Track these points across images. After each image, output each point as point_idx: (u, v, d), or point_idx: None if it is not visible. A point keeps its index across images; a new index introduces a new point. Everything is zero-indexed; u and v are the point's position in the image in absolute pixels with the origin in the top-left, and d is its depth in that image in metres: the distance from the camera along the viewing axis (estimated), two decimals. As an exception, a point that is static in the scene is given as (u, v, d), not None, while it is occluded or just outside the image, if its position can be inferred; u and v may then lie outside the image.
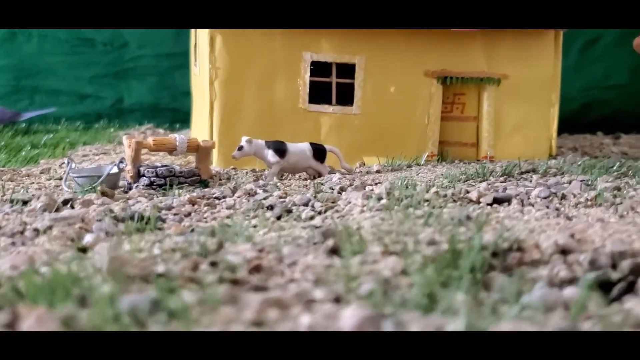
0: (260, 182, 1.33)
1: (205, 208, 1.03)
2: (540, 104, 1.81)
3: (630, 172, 1.37)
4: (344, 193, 1.15)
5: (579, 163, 1.63)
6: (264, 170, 1.53)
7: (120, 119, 2.67)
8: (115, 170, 1.25)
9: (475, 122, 1.82)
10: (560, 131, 2.71)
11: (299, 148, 1.46)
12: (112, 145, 2.08)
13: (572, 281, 0.63)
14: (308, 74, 1.66)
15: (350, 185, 1.31)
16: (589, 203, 0.99)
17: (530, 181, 1.33)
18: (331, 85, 1.69)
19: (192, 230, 0.85)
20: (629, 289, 0.61)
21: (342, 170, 1.55)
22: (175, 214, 0.98)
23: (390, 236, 0.74)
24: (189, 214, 0.99)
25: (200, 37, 1.71)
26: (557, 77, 1.81)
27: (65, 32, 2.65)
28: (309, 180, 1.42)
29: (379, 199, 1.01)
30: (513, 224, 0.81)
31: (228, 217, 0.98)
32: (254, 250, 0.69)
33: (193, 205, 1.06)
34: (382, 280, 0.59)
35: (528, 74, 1.78)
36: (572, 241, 0.71)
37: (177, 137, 1.38)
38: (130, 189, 1.30)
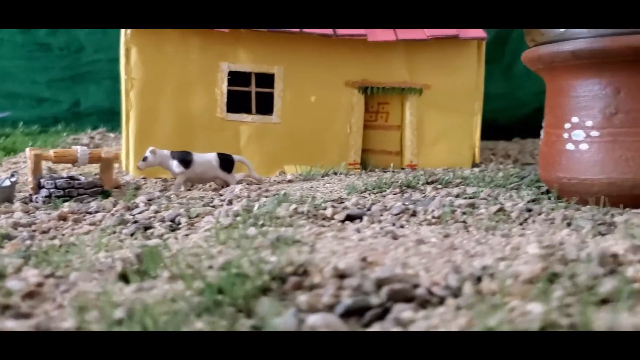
0: (156, 193, 1.36)
1: (70, 223, 1.06)
2: (463, 113, 1.82)
3: (522, 185, 1.39)
4: (222, 207, 1.18)
5: (488, 172, 1.65)
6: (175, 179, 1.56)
7: (76, 123, 2.71)
8: (7, 183, 1.29)
9: (399, 131, 1.84)
10: (513, 135, 2.74)
11: (206, 158, 1.49)
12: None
13: (332, 307, 0.65)
14: (225, 83, 1.69)
15: (247, 197, 1.34)
16: (433, 220, 1.01)
17: (423, 193, 1.35)
18: (250, 95, 1.72)
19: (26, 250, 0.88)
20: (382, 316, 0.64)
21: (253, 180, 1.58)
22: (34, 231, 1.01)
23: (188, 260, 0.77)
24: (48, 230, 1.02)
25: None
26: (480, 87, 1.83)
27: (22, 37, 2.69)
28: (210, 192, 1.44)
29: (236, 215, 1.04)
30: (323, 245, 0.84)
31: (87, 233, 1.01)
32: (40, 275, 0.72)
33: (63, 220, 1.09)
34: (140, 308, 0.62)
35: (450, 83, 1.80)
36: (358, 265, 0.73)
37: (79, 149, 1.41)
38: (31, 200, 1.34)
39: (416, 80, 1.79)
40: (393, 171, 1.73)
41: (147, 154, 1.46)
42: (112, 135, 2.51)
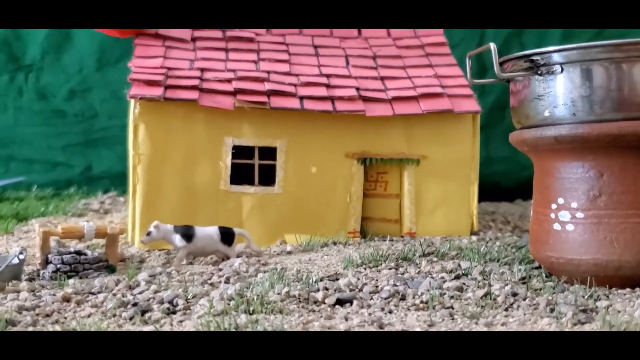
0: (158, 268, 1.41)
1: (73, 305, 1.11)
2: (460, 183, 1.87)
3: (516, 259, 1.42)
4: (219, 286, 1.23)
5: (487, 242, 1.68)
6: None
7: (89, 186, 2.79)
8: (16, 261, 1.34)
9: (398, 199, 1.88)
10: (515, 197, 2.78)
11: (207, 232, 1.54)
12: (64, 218, 2.18)
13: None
14: (229, 157, 1.75)
15: (245, 272, 1.38)
16: (421, 306, 1.05)
17: (418, 267, 1.39)
18: (253, 167, 1.78)
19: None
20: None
21: (252, 252, 1.62)
22: (37, 315, 1.06)
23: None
24: (51, 314, 1.06)
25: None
26: (475, 157, 1.88)
27: (40, 104, 2.80)
28: (210, 265, 1.49)
29: (230, 299, 1.08)
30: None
31: (89, 316, 1.06)
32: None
33: (67, 302, 1.14)
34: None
35: (446, 154, 1.85)
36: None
37: (85, 225, 1.47)
38: (38, 276, 1.39)
39: (413, 151, 1.85)
40: (392, 240, 1.76)
41: (151, 229, 1.52)
42: (122, 199, 2.58)
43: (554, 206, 1.24)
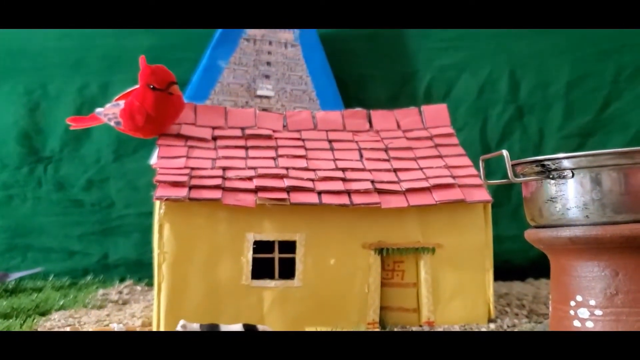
0: (189, 370, 1.44)
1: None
2: (475, 270, 1.92)
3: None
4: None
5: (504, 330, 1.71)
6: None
7: (105, 274, 2.83)
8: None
9: (415, 288, 1.93)
10: (527, 275, 2.82)
11: (231, 330, 1.58)
12: (85, 311, 2.22)
13: None
14: (251, 252, 1.81)
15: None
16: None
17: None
18: (273, 261, 1.84)
19: None
20: None
21: (277, 347, 1.65)
22: None
23: None
24: None
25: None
26: (489, 245, 1.93)
27: (57, 194, 2.88)
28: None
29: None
30: None
31: None
32: None
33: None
34: None
35: (461, 243, 1.91)
36: None
37: (115, 327, 1.51)
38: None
39: (429, 240, 1.91)
40: (420, 327, 1.79)
41: (179, 328, 1.56)
42: (139, 288, 2.61)
43: (572, 303, 1.29)
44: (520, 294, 2.40)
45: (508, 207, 2.90)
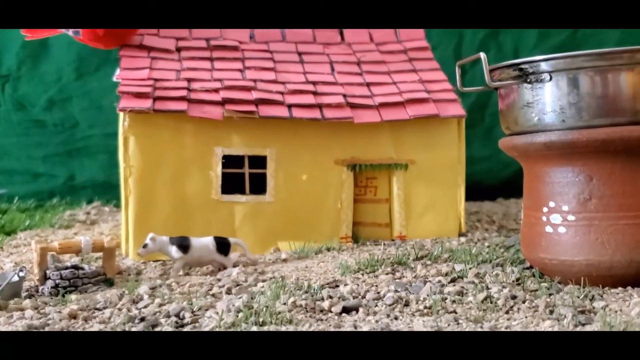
0: (158, 281, 1.42)
1: (81, 322, 1.12)
2: (447, 186, 1.91)
3: (507, 260, 1.47)
4: (222, 297, 1.24)
5: (476, 243, 1.72)
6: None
7: (72, 196, 2.76)
8: (15, 278, 1.34)
9: (388, 204, 1.92)
10: (496, 196, 2.84)
11: (203, 243, 1.56)
12: (51, 230, 2.17)
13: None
14: (220, 167, 1.76)
15: (245, 281, 1.40)
16: (425, 311, 1.08)
17: (414, 271, 1.42)
18: (244, 176, 1.80)
19: (44, 358, 0.93)
20: None
21: (248, 261, 1.64)
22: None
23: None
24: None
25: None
26: (461, 160, 1.92)
27: (18, 115, 2.77)
28: (208, 276, 1.50)
29: (238, 311, 1.10)
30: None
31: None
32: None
33: (74, 318, 1.14)
34: None
35: (434, 158, 1.89)
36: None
37: (83, 240, 1.47)
38: (37, 292, 1.39)
39: (401, 156, 1.88)
40: (383, 244, 1.79)
41: (148, 241, 1.52)
42: (107, 209, 2.57)
43: (545, 209, 1.28)
44: (491, 212, 2.42)
45: (481, 127, 2.88)
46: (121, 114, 1.72)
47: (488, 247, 1.65)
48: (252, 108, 1.76)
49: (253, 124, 1.78)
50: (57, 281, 1.38)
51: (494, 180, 2.85)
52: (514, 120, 1.33)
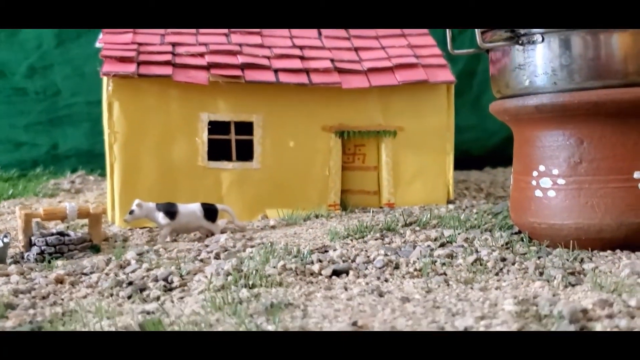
0: (145, 247, 1.40)
1: (68, 287, 1.10)
2: (436, 153, 1.90)
3: (496, 225, 1.47)
4: (211, 262, 1.23)
5: (464, 210, 1.72)
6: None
7: (55, 165, 2.72)
8: (0, 244, 1.32)
9: (376, 171, 1.91)
10: (484, 165, 2.84)
11: (190, 209, 1.54)
12: (36, 199, 2.13)
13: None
14: (206, 133, 1.74)
15: (233, 247, 1.39)
16: (415, 273, 1.08)
17: (403, 236, 1.41)
18: (230, 143, 1.77)
19: (31, 322, 0.91)
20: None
21: (236, 228, 1.62)
22: (34, 297, 1.04)
23: (192, 329, 0.82)
24: (47, 296, 1.05)
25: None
26: (450, 127, 1.91)
27: (-2, 82, 2.71)
28: (195, 242, 1.49)
29: (227, 275, 1.09)
30: (314, 309, 0.89)
31: (85, 297, 1.05)
32: None
33: (60, 283, 1.13)
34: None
35: (422, 125, 1.88)
36: (350, 330, 0.79)
37: (68, 206, 1.44)
38: (22, 258, 1.37)
39: (390, 123, 1.87)
40: (372, 211, 1.79)
41: (134, 207, 1.50)
42: (91, 178, 2.53)
43: (535, 174, 1.27)
44: (478, 180, 2.42)
45: (469, 96, 2.87)
46: (105, 79, 1.68)
47: (476, 213, 1.64)
48: (238, 73, 1.73)
49: (239, 89, 1.75)
50: (42, 247, 1.36)
51: (481, 150, 2.85)
52: (505, 83, 1.31)
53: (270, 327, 0.80)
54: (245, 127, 1.78)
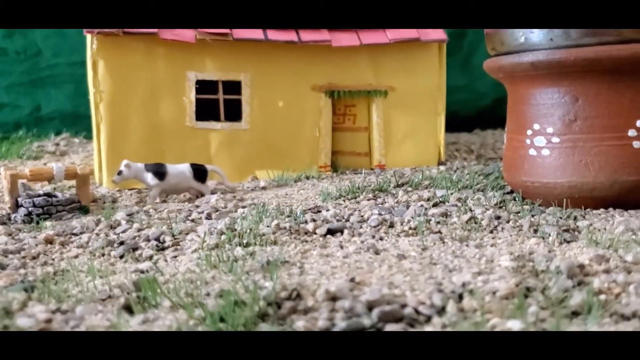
0: (135, 208, 1.38)
1: (58, 247, 1.08)
2: (427, 114, 1.88)
3: (488, 185, 1.46)
4: (203, 222, 1.22)
5: (456, 171, 1.72)
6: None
7: (39, 128, 2.67)
8: (-16, 205, 1.29)
9: (367, 132, 1.89)
10: (474, 126, 2.83)
11: (179, 170, 1.52)
12: (20, 161, 2.10)
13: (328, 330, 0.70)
14: (193, 92, 1.71)
15: (224, 207, 1.37)
16: (410, 232, 1.07)
17: (395, 197, 1.40)
18: (218, 102, 1.74)
19: (22, 282, 0.90)
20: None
21: (226, 188, 1.61)
22: (24, 257, 1.02)
23: (188, 286, 0.81)
24: (37, 256, 1.03)
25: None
26: (442, 88, 1.89)
27: (-24, 42, 2.63)
28: (185, 203, 1.47)
29: (221, 234, 1.08)
30: (310, 266, 0.88)
31: (76, 257, 1.03)
32: (47, 311, 0.75)
33: (50, 243, 1.11)
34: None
35: (414, 85, 1.86)
36: (348, 286, 0.78)
37: (55, 166, 1.41)
38: (9, 219, 1.34)
39: (381, 82, 1.84)
40: (364, 172, 1.77)
41: (122, 167, 1.48)
42: (76, 140, 2.49)
43: (529, 132, 1.26)
44: (469, 142, 2.42)
45: (459, 55, 2.84)
46: (89, 37, 1.64)
47: (468, 174, 1.64)
48: (225, 30, 1.69)
49: (227, 47, 1.71)
50: (30, 209, 1.34)
51: (470, 111, 2.84)
52: (500, 40, 1.29)
53: (268, 284, 0.79)
54: (234, 87, 1.75)
